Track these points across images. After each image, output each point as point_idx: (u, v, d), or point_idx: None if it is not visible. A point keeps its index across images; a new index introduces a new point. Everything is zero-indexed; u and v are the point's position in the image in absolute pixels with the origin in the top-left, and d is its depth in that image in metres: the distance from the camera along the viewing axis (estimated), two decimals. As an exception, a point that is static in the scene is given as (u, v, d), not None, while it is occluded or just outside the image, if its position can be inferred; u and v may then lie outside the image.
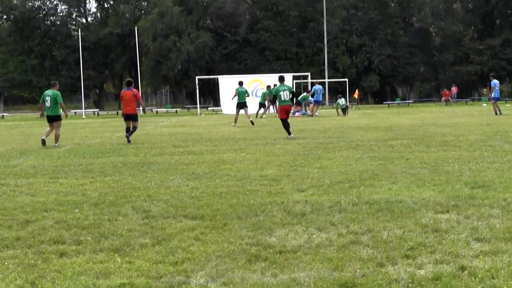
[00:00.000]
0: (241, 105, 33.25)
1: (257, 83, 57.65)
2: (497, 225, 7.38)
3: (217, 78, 61.69)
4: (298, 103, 43.55)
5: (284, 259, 6.28)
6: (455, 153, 15.09)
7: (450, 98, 68.18)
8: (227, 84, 56.52)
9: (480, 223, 7.53)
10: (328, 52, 76.36)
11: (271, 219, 8.15)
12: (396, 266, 5.91)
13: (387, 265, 5.96)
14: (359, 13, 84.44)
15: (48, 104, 22.04)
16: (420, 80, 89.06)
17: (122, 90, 23.91)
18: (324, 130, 25.98)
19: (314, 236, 7.22)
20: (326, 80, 70.11)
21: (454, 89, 74.05)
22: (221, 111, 58.09)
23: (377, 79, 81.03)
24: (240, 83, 35.28)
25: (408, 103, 71.04)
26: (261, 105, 43.52)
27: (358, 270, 5.81)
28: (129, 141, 21.96)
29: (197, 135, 25.40)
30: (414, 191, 9.77)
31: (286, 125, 22.70)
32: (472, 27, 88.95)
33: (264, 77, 61.07)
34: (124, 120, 23.49)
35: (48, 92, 22.32)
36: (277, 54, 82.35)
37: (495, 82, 36.53)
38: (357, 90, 69.36)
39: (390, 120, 33.54)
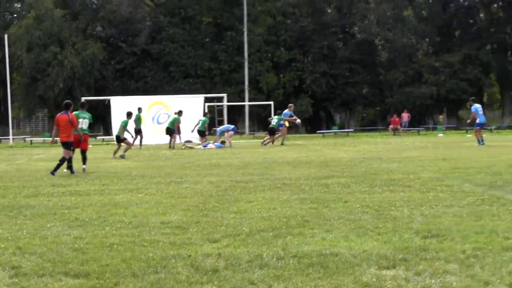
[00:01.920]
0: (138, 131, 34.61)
1: (160, 106, 57.60)
2: (454, 283, 7.50)
3: (109, 100, 61.19)
4: (201, 134, 44.46)
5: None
6: (404, 194, 15.31)
7: (399, 126, 69.25)
8: (121, 106, 56.18)
9: (433, 281, 7.65)
10: (249, 69, 76.72)
11: (174, 277, 8.12)
12: (330, 335, 5.95)
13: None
14: (288, 21, 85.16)
15: None
16: (362, 104, 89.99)
17: (58, 114, 24.58)
18: (243, 165, 26.04)
19: (228, 298, 7.22)
20: (247, 103, 70.52)
21: (404, 116, 74.65)
22: (114, 140, 57.63)
23: (310, 103, 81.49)
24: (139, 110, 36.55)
25: (348, 132, 71.72)
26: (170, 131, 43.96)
27: None
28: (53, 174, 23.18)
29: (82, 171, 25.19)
30: (354, 242, 9.86)
31: None
32: (427, 39, 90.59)
33: (169, 98, 60.97)
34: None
35: None
36: (185, 70, 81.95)
37: (476, 106, 37.80)
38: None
39: (325, 153, 33.85)
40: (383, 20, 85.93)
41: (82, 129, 24.76)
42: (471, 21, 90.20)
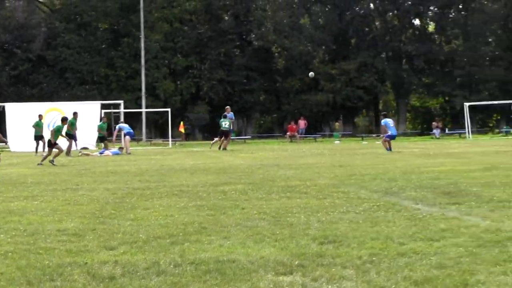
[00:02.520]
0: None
1: (56, 113, 57.07)
2: (351, 288, 7.57)
3: (3, 106, 60.35)
4: (102, 139, 44.33)
5: (87, 336, 6.20)
6: (301, 201, 15.38)
7: (296, 133, 69.81)
8: (17, 113, 55.55)
9: (330, 286, 7.68)
10: (146, 75, 76.44)
11: (71, 285, 8.01)
12: None
13: None
14: (185, 28, 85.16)
15: None
16: (259, 111, 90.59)
17: None
18: (140, 172, 25.92)
19: (125, 305, 7.17)
20: (144, 110, 70.27)
21: (301, 123, 75.29)
22: (8, 148, 56.81)
23: (207, 110, 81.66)
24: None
25: (245, 139, 72.13)
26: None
27: None
28: None
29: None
30: (251, 248, 9.88)
31: None
32: (323, 47, 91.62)
33: (64, 104, 60.56)
34: None
35: None
36: (81, 77, 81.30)
37: (386, 121, 38.83)
38: (181, 123, 69.84)
39: (222, 160, 33.91)
40: (280, 27, 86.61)
41: None
42: (366, 29, 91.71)
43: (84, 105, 60.91)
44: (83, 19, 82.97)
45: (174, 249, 9.95)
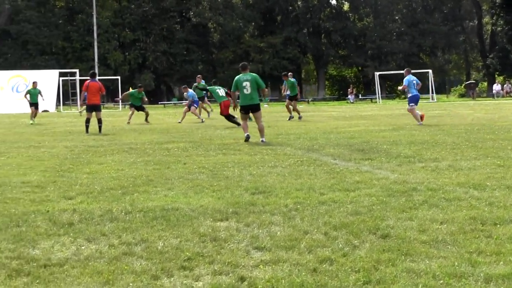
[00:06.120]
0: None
1: (19, 79, 56.57)
2: (278, 232, 7.58)
3: (-27, 74, 59.60)
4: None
5: (49, 273, 6.13)
6: (235, 157, 15.42)
7: (230, 98, 69.71)
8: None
9: (260, 231, 7.71)
10: (98, 47, 75.62)
11: (34, 230, 7.94)
12: (172, 279, 5.94)
13: (162, 277, 5.98)
14: (132, 6, 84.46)
15: None
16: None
17: (87, 82, 26.47)
18: (94, 132, 25.67)
19: (83, 247, 7.11)
20: (97, 78, 69.47)
21: (234, 89, 75.32)
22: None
23: (152, 78, 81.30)
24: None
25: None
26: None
27: (130, 284, 5.79)
28: (100, 132, 24.95)
29: None
30: (192, 198, 9.88)
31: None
32: (253, 24, 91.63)
33: (27, 72, 60.20)
34: (87, 110, 26.28)
35: None
36: (42, 48, 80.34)
37: (410, 78, 30.77)
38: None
39: (166, 121, 33.80)
40: (215, 6, 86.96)
41: None
42: (290, 8, 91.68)
43: (44, 73, 60.40)
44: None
45: (125, 198, 9.91)
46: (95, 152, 17.32)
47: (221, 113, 28.77)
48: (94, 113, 25.75)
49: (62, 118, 40.58)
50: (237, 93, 21.00)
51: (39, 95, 36.51)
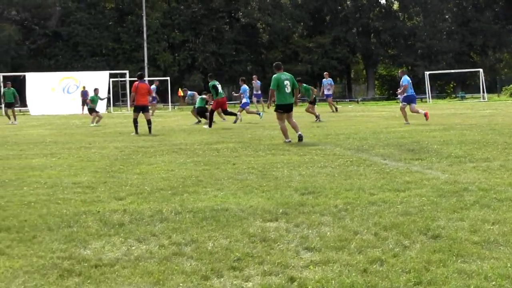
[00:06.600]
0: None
1: (70, 80, 57.15)
2: (328, 233, 7.56)
3: (24, 75, 60.17)
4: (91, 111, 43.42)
5: (100, 273, 6.19)
6: (284, 157, 15.40)
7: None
8: (36, 82, 55.52)
9: (310, 231, 7.70)
10: (148, 48, 76.12)
11: (85, 230, 8.01)
12: (222, 279, 5.95)
13: (212, 277, 5.99)
14: (181, 7, 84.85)
15: None
16: (247, 79, 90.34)
17: (136, 83, 26.42)
18: (144, 132, 25.79)
19: (133, 248, 7.16)
20: (146, 79, 69.85)
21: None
22: (29, 111, 56.70)
23: (201, 78, 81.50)
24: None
25: (235, 103, 71.82)
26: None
27: (181, 284, 5.81)
28: (150, 133, 25.33)
29: (1, 138, 24.65)
30: (241, 198, 9.89)
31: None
32: (302, 24, 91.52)
33: (78, 74, 60.79)
34: (134, 111, 26.59)
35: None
36: (92, 50, 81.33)
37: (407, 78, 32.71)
38: (180, 90, 69.53)
39: (216, 121, 33.83)
40: (263, 6, 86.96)
41: None
42: (339, 7, 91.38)
43: (94, 74, 60.96)
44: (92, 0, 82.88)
45: (175, 199, 9.96)
46: (145, 153, 17.42)
47: (212, 107, 29.84)
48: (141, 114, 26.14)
49: (112, 119, 40.87)
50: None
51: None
